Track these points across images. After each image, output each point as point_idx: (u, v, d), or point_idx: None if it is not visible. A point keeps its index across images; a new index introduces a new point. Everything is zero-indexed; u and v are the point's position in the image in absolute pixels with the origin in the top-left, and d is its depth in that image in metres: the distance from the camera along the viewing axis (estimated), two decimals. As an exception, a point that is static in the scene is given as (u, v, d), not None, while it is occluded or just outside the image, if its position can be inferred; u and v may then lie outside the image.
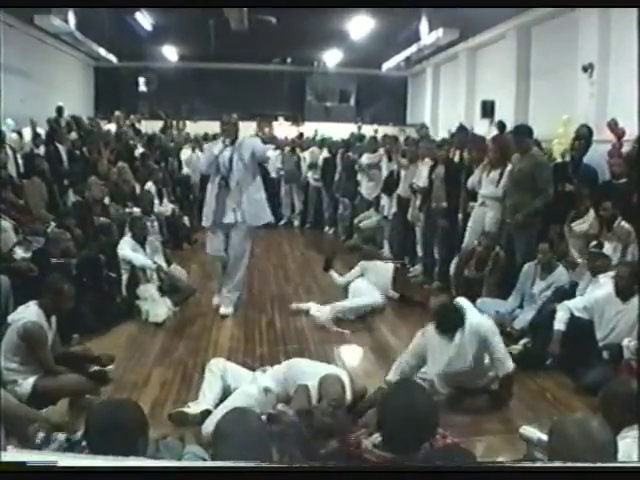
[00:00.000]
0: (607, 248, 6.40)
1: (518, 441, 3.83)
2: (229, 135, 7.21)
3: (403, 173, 9.72)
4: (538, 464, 1.92)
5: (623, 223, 6.51)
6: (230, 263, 7.40)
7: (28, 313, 4.58)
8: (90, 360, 4.97)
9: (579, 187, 7.22)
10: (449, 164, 8.72)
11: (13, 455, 1.81)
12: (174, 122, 17.84)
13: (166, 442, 3.00)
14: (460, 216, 8.26)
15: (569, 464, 1.82)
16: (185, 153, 13.66)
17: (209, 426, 4.12)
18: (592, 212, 6.95)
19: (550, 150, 9.43)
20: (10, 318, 4.60)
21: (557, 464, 1.87)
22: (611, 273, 5.83)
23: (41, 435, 3.43)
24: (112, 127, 14.69)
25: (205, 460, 2.59)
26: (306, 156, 13.70)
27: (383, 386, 4.69)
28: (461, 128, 12.86)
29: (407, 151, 10.10)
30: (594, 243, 6.55)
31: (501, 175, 7.43)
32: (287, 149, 14.07)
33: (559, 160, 8.72)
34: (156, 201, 10.72)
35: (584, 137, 7.76)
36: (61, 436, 3.28)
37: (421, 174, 8.99)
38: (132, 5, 12.41)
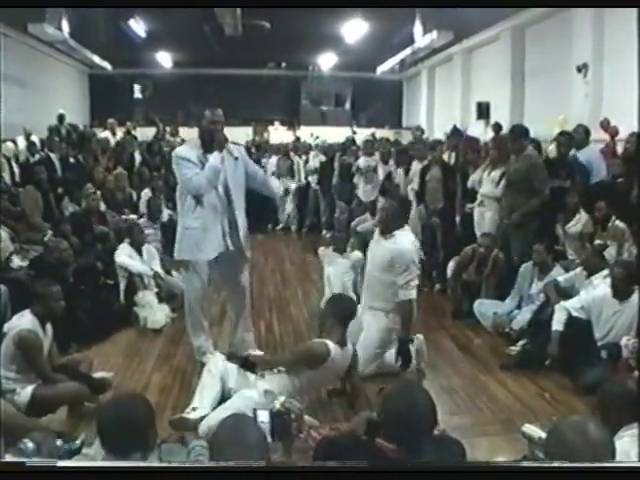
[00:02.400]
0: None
1: (517, 442, 3.83)
2: (221, 139, 5.56)
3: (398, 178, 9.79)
4: (538, 464, 1.91)
5: (617, 222, 6.53)
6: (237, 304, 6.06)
7: (23, 321, 4.57)
8: (88, 382, 4.91)
9: (572, 184, 7.26)
10: (445, 165, 8.75)
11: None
12: (167, 128, 17.82)
13: (169, 446, 3.00)
14: (458, 218, 8.30)
15: (569, 464, 1.82)
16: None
17: (204, 426, 4.13)
18: (583, 212, 6.97)
19: (546, 151, 9.42)
20: (6, 327, 4.59)
21: (557, 464, 1.87)
22: (604, 272, 5.84)
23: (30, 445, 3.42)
24: (108, 134, 14.69)
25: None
26: (309, 159, 13.73)
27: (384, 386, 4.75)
28: (455, 130, 12.88)
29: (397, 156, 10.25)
30: (598, 242, 6.57)
31: (502, 175, 7.44)
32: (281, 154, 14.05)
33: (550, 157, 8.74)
34: (153, 207, 10.70)
35: (568, 133, 7.81)
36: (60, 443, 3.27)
37: (414, 177, 9.08)
38: (126, 5, 12.37)
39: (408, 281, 5.43)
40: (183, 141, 15.75)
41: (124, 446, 2.30)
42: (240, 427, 2.52)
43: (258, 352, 5.98)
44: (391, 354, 5.60)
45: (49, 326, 4.76)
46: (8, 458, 1.92)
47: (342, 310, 4.88)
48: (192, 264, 5.68)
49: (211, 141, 5.51)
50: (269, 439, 3.18)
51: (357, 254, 7.73)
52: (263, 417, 3.37)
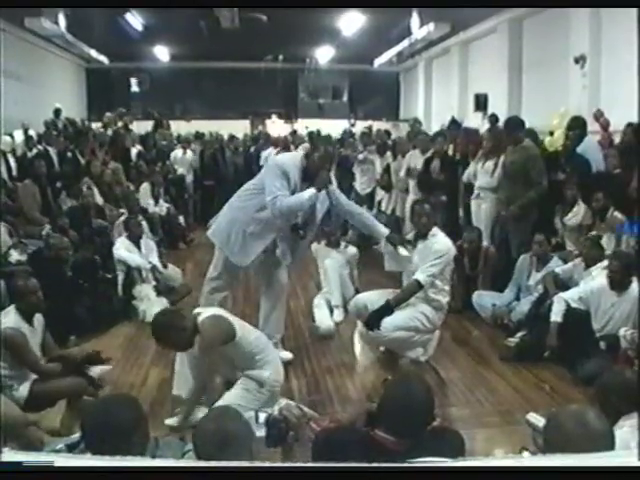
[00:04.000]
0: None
1: (516, 433, 3.84)
2: (326, 180, 5.36)
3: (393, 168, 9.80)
4: (537, 464, 1.91)
5: (615, 213, 6.53)
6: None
7: (7, 319, 4.53)
8: (86, 360, 4.90)
9: (570, 176, 7.25)
10: (445, 158, 8.75)
11: (10, 456, 1.80)
12: (163, 122, 17.80)
13: (167, 440, 2.99)
14: (461, 211, 8.34)
15: (568, 464, 1.82)
16: (176, 153, 13.63)
17: None
18: (582, 203, 6.97)
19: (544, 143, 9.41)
20: None
21: (556, 464, 1.86)
22: (604, 264, 5.84)
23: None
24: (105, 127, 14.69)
25: None
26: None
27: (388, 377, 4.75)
28: (453, 122, 12.86)
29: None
30: (593, 233, 6.56)
31: (496, 165, 7.45)
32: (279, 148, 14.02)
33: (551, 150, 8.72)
34: (151, 201, 10.72)
35: (578, 127, 7.78)
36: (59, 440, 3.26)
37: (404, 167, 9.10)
38: (124, 5, 12.37)
39: (428, 266, 5.34)
40: (179, 136, 15.79)
41: (108, 449, 2.20)
42: (223, 419, 2.50)
43: (287, 353, 5.87)
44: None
45: (38, 319, 4.72)
46: (7, 452, 1.90)
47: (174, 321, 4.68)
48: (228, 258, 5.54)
49: (314, 174, 5.28)
50: (265, 444, 3.19)
51: (352, 250, 7.69)
52: (259, 419, 3.37)
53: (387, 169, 10.35)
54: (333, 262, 7.37)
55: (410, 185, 9.14)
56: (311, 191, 5.20)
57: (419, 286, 5.36)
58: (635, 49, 3.63)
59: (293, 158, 5.48)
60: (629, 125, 7.79)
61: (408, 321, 5.39)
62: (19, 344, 4.49)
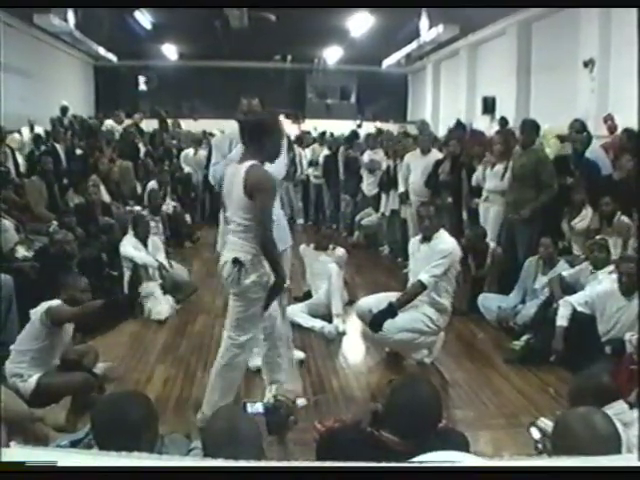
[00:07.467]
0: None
1: (521, 436, 3.83)
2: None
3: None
4: (537, 464, 1.91)
5: (623, 218, 6.52)
6: None
7: (50, 302, 4.62)
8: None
9: (579, 180, 7.24)
10: (455, 160, 8.74)
11: (14, 453, 1.80)
12: (169, 121, 17.78)
13: (172, 437, 3.00)
14: (465, 213, 8.33)
15: (570, 464, 1.82)
16: (186, 152, 13.64)
17: None
18: (589, 207, 6.95)
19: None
20: (32, 312, 4.65)
21: (558, 464, 1.86)
22: (610, 268, 5.83)
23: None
24: (114, 125, 14.71)
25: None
26: (307, 153, 13.66)
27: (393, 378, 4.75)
28: (458, 124, 12.82)
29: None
30: (599, 237, 6.55)
31: (506, 169, 7.43)
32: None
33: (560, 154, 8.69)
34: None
35: (583, 130, 7.78)
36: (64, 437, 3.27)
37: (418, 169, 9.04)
38: (132, 5, 12.40)
39: (431, 267, 5.40)
40: (188, 132, 15.83)
41: (117, 446, 2.20)
42: (233, 418, 2.50)
43: (299, 353, 5.79)
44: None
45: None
46: (12, 447, 1.90)
47: None
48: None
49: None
50: (265, 433, 3.17)
51: (340, 251, 7.62)
52: (257, 409, 3.33)
53: (387, 171, 10.29)
54: (337, 267, 7.22)
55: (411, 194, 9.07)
56: (237, 147, 4.82)
57: (422, 287, 5.41)
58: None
59: (228, 132, 5.35)
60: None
61: (412, 323, 5.42)
62: (66, 312, 4.66)
